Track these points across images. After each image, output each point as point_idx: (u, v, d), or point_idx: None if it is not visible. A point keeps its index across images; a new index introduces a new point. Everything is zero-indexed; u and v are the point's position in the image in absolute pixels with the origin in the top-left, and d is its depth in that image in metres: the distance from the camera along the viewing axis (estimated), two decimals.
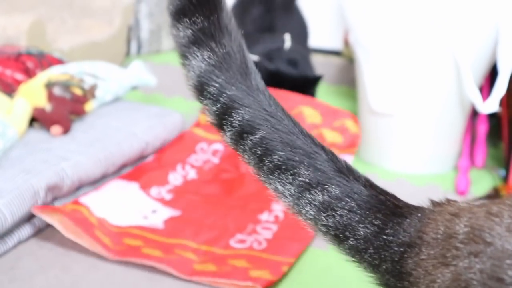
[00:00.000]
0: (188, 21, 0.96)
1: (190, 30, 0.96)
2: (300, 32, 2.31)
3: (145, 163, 1.93)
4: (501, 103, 2.08)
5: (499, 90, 1.96)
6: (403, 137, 2.12)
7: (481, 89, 2.12)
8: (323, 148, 0.93)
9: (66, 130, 1.87)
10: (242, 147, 0.94)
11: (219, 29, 0.95)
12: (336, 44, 3.08)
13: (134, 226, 1.68)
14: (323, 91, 2.57)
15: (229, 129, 0.94)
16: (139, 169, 1.89)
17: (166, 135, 2.04)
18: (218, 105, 0.94)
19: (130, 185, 1.82)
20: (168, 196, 1.81)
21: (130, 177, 1.85)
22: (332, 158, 0.91)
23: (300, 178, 0.90)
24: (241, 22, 2.19)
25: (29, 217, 1.65)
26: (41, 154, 1.75)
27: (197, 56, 0.95)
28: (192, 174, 1.90)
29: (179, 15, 0.96)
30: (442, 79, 2.03)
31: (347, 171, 0.90)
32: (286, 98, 1.98)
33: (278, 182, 0.91)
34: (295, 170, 0.90)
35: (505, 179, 2.05)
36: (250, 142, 0.93)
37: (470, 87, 1.99)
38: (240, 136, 0.94)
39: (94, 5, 2.71)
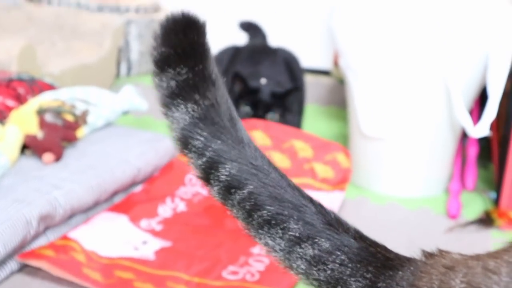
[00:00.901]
0: (172, 71, 0.94)
1: (174, 81, 0.94)
2: (286, 72, 2.38)
3: (134, 193, 1.92)
4: (491, 125, 2.09)
5: (489, 114, 1.97)
6: (394, 160, 2.13)
7: (471, 112, 2.13)
8: (311, 200, 0.92)
9: (58, 157, 1.87)
10: (230, 201, 0.93)
11: (204, 80, 0.93)
12: (325, 63, 3.09)
13: (125, 258, 1.67)
14: (313, 112, 2.59)
15: (216, 184, 0.93)
16: (128, 200, 1.89)
17: (157, 161, 2.04)
18: (204, 159, 0.93)
19: (119, 217, 1.82)
20: (158, 227, 1.81)
21: (119, 209, 1.85)
22: (321, 210, 0.91)
23: (290, 233, 0.89)
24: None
25: (22, 248, 1.65)
26: (33, 182, 1.75)
27: (181, 108, 0.94)
28: (181, 207, 1.90)
29: (163, 64, 0.94)
30: (432, 103, 2.04)
31: (336, 224, 0.90)
32: (278, 131, 1.99)
33: (268, 237, 0.91)
34: (285, 225, 0.90)
35: (496, 202, 2.06)
36: (238, 197, 0.92)
37: (461, 111, 1.99)
38: (228, 191, 0.93)
39: (84, 27, 2.71)
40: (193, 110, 0.93)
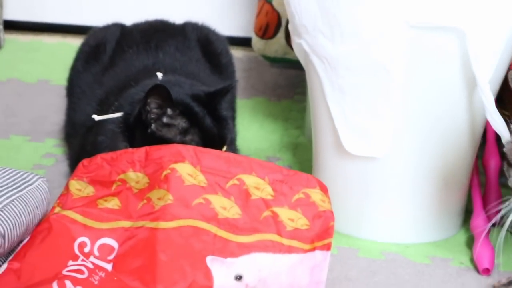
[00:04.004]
0: None
1: None
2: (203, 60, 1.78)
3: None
4: None
5: None
6: (389, 190, 1.53)
7: None
8: None
9: None
10: None
11: None
12: (238, 28, 2.39)
13: None
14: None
15: None
16: None
17: (28, 218, 1.35)
18: None
19: None
20: None
21: None
22: None
23: None
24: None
25: None
26: None
27: None
28: None
29: None
30: (445, 101, 1.47)
31: None
32: (216, 162, 1.38)
33: None
34: None
35: None
36: None
37: (489, 106, 1.38)
38: None
39: None
40: None
